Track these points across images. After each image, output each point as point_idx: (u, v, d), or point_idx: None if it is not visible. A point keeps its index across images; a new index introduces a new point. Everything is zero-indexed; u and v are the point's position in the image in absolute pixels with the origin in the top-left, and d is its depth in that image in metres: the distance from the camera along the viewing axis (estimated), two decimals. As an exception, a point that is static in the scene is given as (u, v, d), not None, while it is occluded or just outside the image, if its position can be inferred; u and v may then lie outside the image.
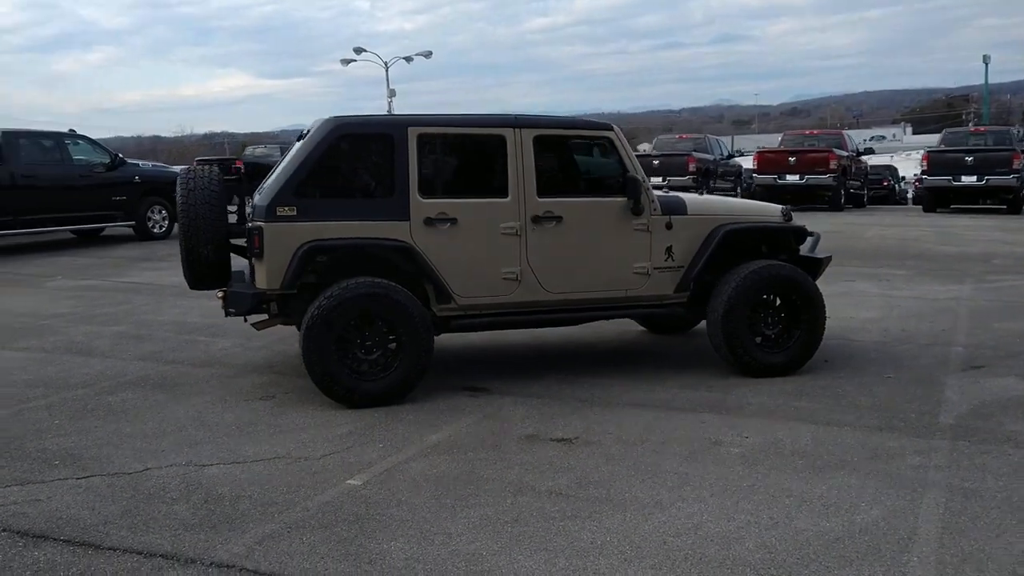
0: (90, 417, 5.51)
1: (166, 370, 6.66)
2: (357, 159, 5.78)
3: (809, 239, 6.96)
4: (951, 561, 3.52)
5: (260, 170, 20.99)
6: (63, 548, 3.70)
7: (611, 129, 6.14)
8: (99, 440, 5.07)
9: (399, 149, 5.70)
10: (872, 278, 10.81)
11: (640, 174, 6.09)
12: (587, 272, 6.09)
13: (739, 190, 23.82)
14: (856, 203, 22.97)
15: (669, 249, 6.20)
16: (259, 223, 5.54)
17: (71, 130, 15.46)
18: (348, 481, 4.42)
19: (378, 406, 5.60)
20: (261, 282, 5.63)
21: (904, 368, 6.50)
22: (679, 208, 6.27)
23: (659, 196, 6.26)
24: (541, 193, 5.94)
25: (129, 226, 15.46)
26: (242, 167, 20.85)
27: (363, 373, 5.63)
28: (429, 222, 5.73)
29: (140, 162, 17.02)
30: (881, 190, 29.83)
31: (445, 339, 6.83)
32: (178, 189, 5.87)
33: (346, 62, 39.51)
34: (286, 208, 5.55)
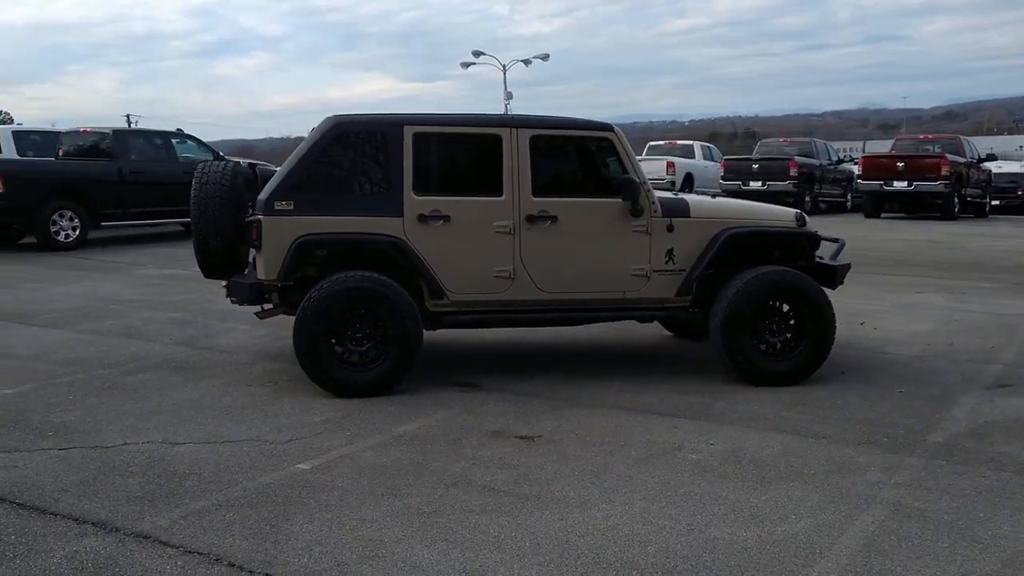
0: (102, 395, 5.88)
1: (193, 354, 7.02)
2: (354, 156, 5.94)
3: (834, 245, 6.74)
4: (848, 579, 3.39)
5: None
6: (11, 510, 3.99)
7: (611, 130, 6.11)
8: (96, 416, 5.42)
9: (394, 147, 5.85)
10: (946, 290, 10.30)
11: (639, 176, 6.04)
12: (582, 272, 6.08)
13: (849, 197, 23.01)
14: (977, 212, 21.80)
15: (670, 252, 6.12)
16: (258, 216, 5.80)
17: (179, 130, 16.38)
18: (298, 465, 4.59)
19: (366, 396, 5.76)
20: (260, 273, 5.88)
21: (924, 384, 6.20)
22: (681, 210, 6.17)
23: (661, 198, 6.18)
24: (536, 192, 5.97)
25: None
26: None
27: (353, 364, 5.81)
28: (422, 219, 5.85)
29: (242, 160, 17.84)
30: (1014, 199, 28.10)
31: (450, 335, 6.97)
32: (192, 184, 6.19)
33: (466, 65, 40.17)
34: (283, 203, 5.78)
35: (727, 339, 6.01)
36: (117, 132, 15.00)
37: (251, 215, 5.97)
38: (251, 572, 3.44)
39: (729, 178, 21.48)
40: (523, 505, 4.10)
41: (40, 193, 13.50)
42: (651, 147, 25.25)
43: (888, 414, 5.49)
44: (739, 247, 6.23)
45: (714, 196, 7.37)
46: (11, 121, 39.26)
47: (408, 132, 5.87)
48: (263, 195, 5.84)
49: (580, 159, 6.27)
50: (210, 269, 6.32)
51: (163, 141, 15.64)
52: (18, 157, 15.80)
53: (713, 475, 4.47)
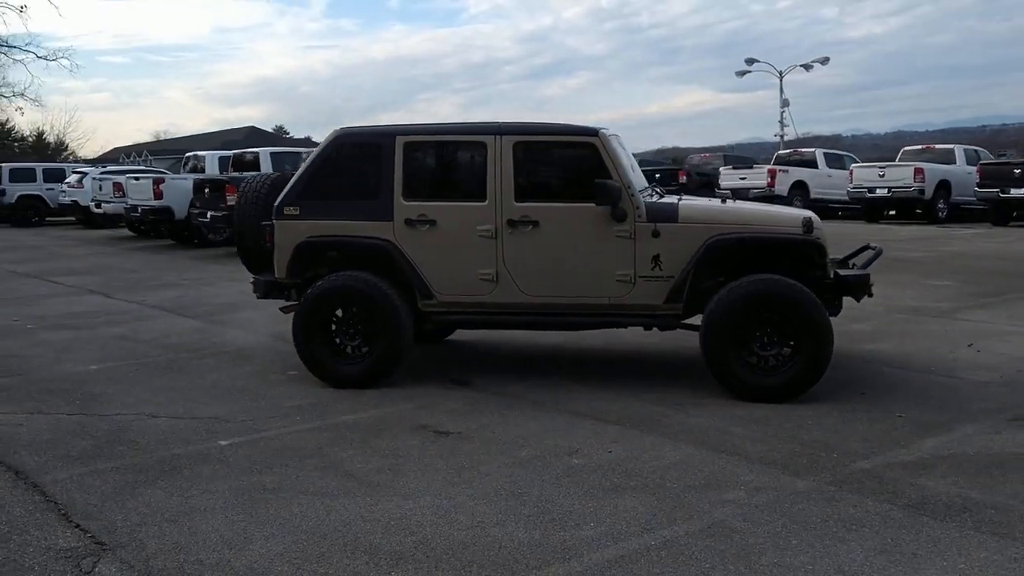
0: (156, 374, 6.79)
1: (264, 344, 7.85)
2: (353, 165, 6.38)
3: (869, 252, 6.17)
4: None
5: (705, 179, 22.69)
6: (-30, 456, 4.89)
7: (594, 134, 6.06)
8: (128, 391, 6.29)
9: (387, 156, 6.24)
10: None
11: (623, 180, 5.94)
12: (566, 277, 6.08)
13: None
14: None
15: (656, 258, 5.95)
16: (271, 220, 6.43)
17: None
18: (219, 441, 5.12)
19: (358, 387, 6.18)
20: (276, 272, 6.51)
21: (941, 409, 5.53)
22: (668, 215, 5.97)
23: (650, 203, 6.02)
24: (519, 198, 6.08)
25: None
26: (685, 176, 22.34)
27: (346, 356, 6.26)
28: (410, 223, 6.18)
29: None
30: None
31: (476, 335, 7.23)
32: (236, 194, 6.99)
33: (740, 74, 39.19)
34: (291, 208, 6.38)
35: (709, 350, 5.76)
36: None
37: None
38: (72, 521, 3.99)
39: (986, 185, 19.35)
40: (355, 491, 4.32)
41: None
42: (904, 152, 23.20)
43: (841, 438, 5.01)
44: (731, 254, 5.92)
45: (724, 200, 6.90)
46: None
47: (399, 142, 6.23)
48: (277, 201, 6.47)
49: (563, 165, 6.26)
50: (248, 266, 7.06)
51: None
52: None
53: (568, 480, 4.41)
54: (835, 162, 23.87)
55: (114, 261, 16.07)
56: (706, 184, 22.19)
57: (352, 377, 6.22)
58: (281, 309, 6.84)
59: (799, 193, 22.04)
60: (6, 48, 45.13)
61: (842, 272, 6.01)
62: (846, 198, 21.94)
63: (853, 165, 22.59)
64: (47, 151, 53.89)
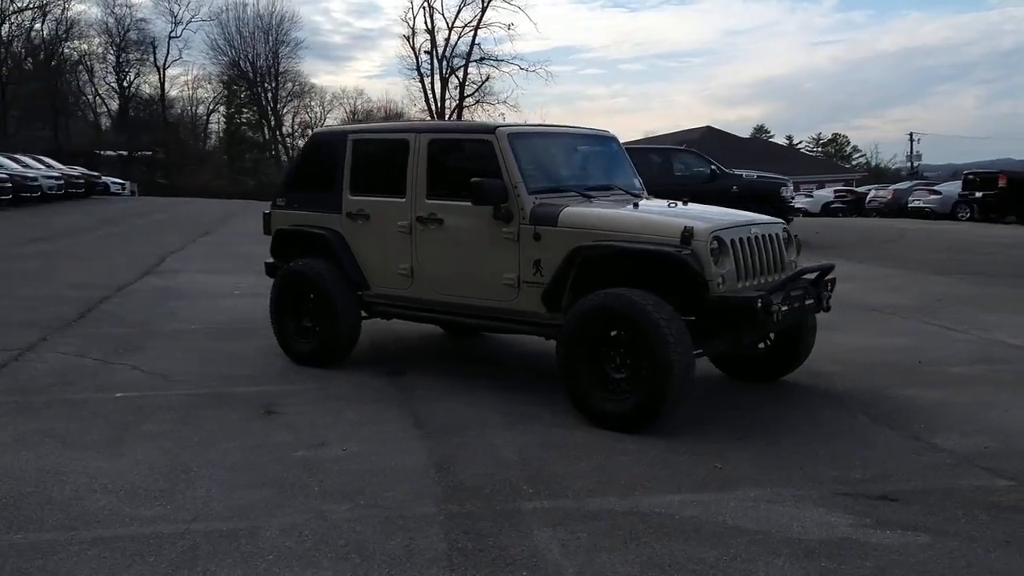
0: (188, 339, 7.81)
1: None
2: (321, 162, 6.84)
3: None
4: None
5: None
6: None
7: (491, 132, 5.87)
8: (150, 348, 7.47)
9: (340, 154, 6.65)
10: None
11: (513, 180, 5.71)
12: (462, 277, 6.02)
13: None
14: None
15: (538, 263, 5.64)
16: (267, 211, 7.21)
17: (685, 146, 17.52)
18: (117, 394, 5.98)
19: (309, 365, 6.71)
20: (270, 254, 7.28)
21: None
22: (550, 219, 5.60)
23: (538, 205, 5.70)
24: (429, 195, 6.14)
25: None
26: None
27: (302, 336, 6.83)
28: (351, 216, 6.56)
29: (745, 173, 18.01)
30: None
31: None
32: None
33: None
34: (280, 200, 7.09)
35: (560, 367, 5.36)
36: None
37: None
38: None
39: None
40: (95, 446, 4.90)
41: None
42: None
43: (680, 460, 4.45)
44: (601, 264, 5.41)
45: (685, 202, 6.01)
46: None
47: (350, 140, 6.62)
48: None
49: (467, 163, 6.07)
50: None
51: (662, 157, 16.99)
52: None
53: (256, 467, 4.58)
54: None
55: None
56: None
57: (303, 355, 6.77)
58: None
59: None
60: (494, 62, 51.99)
61: (729, 294, 5.17)
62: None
63: None
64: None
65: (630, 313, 5.01)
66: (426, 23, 56.20)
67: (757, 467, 4.59)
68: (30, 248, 15.14)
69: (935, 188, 30.57)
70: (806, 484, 4.37)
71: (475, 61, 53.05)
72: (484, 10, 51.48)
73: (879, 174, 66.39)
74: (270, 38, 59.03)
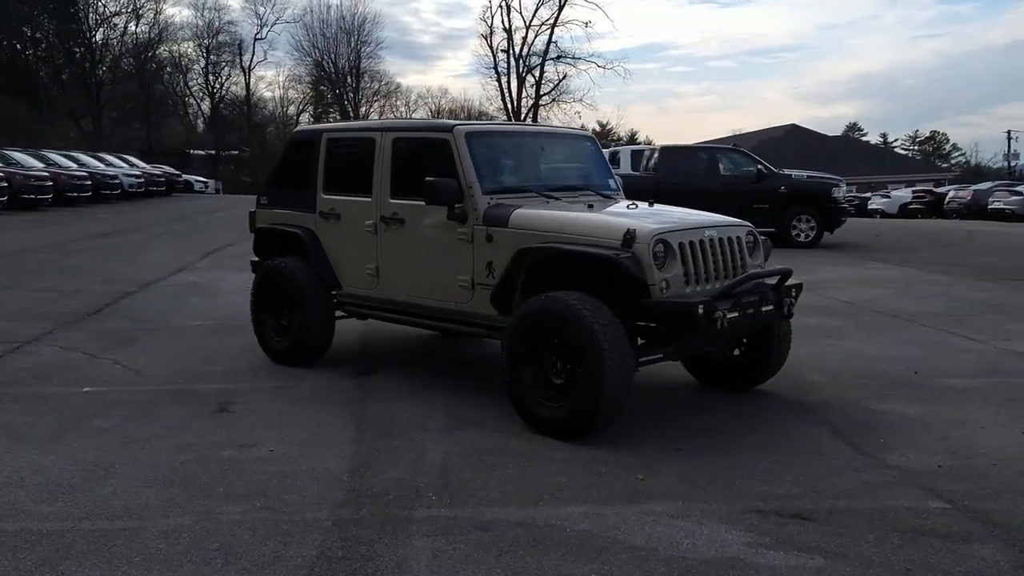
0: (181, 340, 8.00)
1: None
2: (299, 161, 6.82)
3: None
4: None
5: None
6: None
7: (449, 131, 5.77)
8: (129, 345, 7.57)
9: (315, 153, 6.65)
10: None
11: (468, 180, 5.61)
12: (421, 278, 5.96)
13: None
14: None
15: (491, 264, 5.54)
16: (252, 209, 7.26)
17: (735, 145, 17.10)
18: (85, 388, 6.13)
19: (283, 363, 6.74)
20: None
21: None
22: (502, 220, 5.48)
23: (492, 205, 5.58)
24: (393, 195, 6.09)
25: (768, 233, 16.35)
26: None
27: (279, 335, 6.85)
28: (324, 215, 6.55)
29: (794, 173, 17.45)
30: None
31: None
32: None
33: None
34: (263, 198, 7.14)
35: (505, 372, 5.24)
36: (664, 148, 16.60)
37: None
38: None
39: None
40: (37, 439, 5.01)
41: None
42: None
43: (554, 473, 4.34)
44: (544, 266, 5.28)
45: (651, 203, 5.80)
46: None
47: (324, 139, 6.61)
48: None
49: (427, 162, 5.94)
50: None
51: (708, 156, 16.63)
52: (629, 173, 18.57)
53: (177, 465, 4.60)
54: None
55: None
56: None
57: (279, 353, 6.80)
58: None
59: None
60: (571, 60, 52.03)
61: (672, 299, 4.97)
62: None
63: None
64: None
65: (566, 316, 4.86)
66: (503, 22, 56.07)
67: (682, 480, 4.41)
68: (84, 244, 15.69)
69: (1016, 189, 29.17)
70: (723, 499, 4.17)
71: (551, 59, 52.91)
72: (561, 8, 51.31)
73: (977, 174, 63.68)
74: (352, 39, 59.89)
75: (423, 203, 5.82)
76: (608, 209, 5.72)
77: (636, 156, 19.39)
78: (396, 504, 4.08)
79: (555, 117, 52.71)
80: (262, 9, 62.72)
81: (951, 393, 6.11)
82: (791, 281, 5.56)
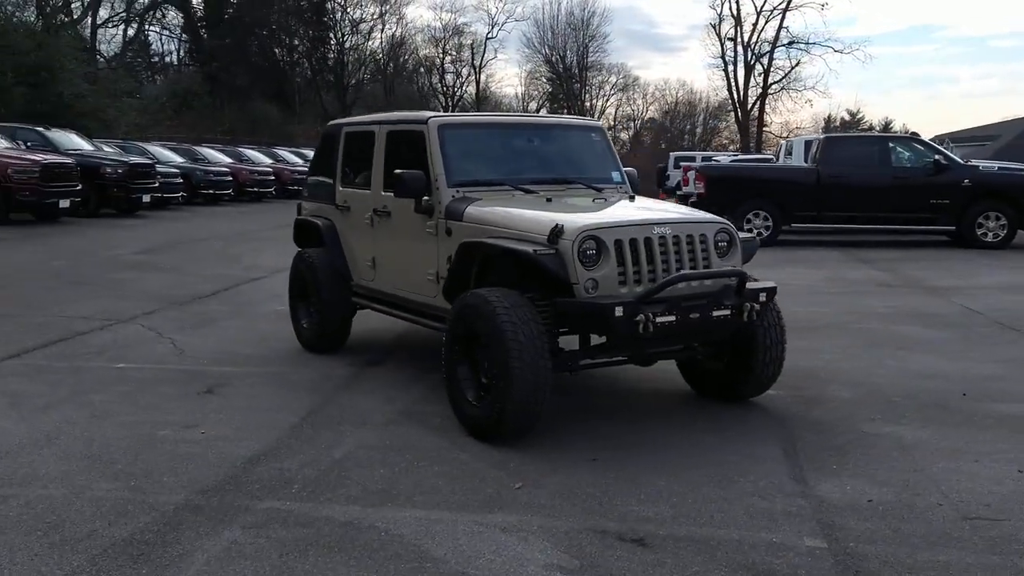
0: (249, 324, 8.42)
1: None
2: (329, 153, 7.01)
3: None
4: None
5: None
6: None
7: (424, 123, 5.69)
8: (200, 328, 8.10)
9: (336, 145, 6.83)
10: None
11: (435, 172, 5.54)
12: (402, 271, 5.98)
13: None
14: None
15: (451, 258, 5.45)
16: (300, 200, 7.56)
17: (913, 133, 15.64)
18: (119, 366, 6.66)
19: (310, 351, 6.99)
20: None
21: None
22: (460, 214, 5.36)
23: (456, 198, 5.46)
24: (385, 187, 6.12)
25: (947, 232, 14.86)
26: None
27: (306, 322, 7.10)
28: (339, 207, 6.72)
29: (983, 164, 15.57)
30: None
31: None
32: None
33: None
34: (304, 191, 7.43)
35: (444, 371, 5.14)
36: (828, 138, 15.46)
37: None
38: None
39: None
40: (27, 408, 5.47)
41: (738, 194, 15.29)
42: None
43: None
44: (490, 262, 5.11)
45: (632, 198, 5.33)
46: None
47: (342, 132, 6.76)
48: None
49: (409, 155, 5.86)
50: None
51: (879, 147, 15.30)
52: (791, 164, 17.59)
53: (106, 442, 4.89)
54: None
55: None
56: None
57: (305, 340, 7.05)
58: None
59: None
60: (804, 46, 49.93)
61: (593, 300, 4.63)
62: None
63: None
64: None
65: (483, 312, 4.70)
66: (731, 10, 54.18)
67: (555, 493, 4.12)
68: (268, 232, 16.96)
69: None
70: (578, 516, 3.86)
71: (783, 45, 50.54)
72: (793, -9, 48.76)
73: None
74: (580, 34, 60.18)
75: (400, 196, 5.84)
76: (569, 203, 5.44)
77: (809, 147, 18.20)
78: (254, 494, 4.11)
79: (783, 106, 50.41)
80: (494, 8, 64.50)
81: (987, 420, 5.28)
82: (765, 284, 5.04)
